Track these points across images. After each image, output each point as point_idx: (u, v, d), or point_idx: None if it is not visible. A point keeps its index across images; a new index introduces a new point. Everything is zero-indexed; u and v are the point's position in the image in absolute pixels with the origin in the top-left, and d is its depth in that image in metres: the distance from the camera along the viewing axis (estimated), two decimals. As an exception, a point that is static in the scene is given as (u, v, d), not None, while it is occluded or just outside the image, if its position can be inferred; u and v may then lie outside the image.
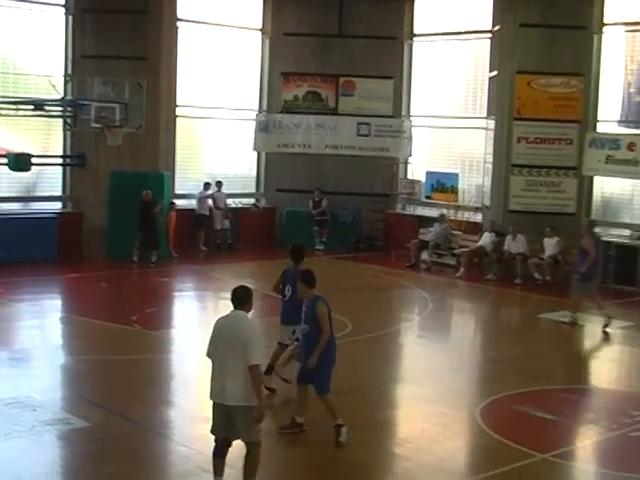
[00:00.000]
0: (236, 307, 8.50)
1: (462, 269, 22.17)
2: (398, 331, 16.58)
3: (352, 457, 9.76)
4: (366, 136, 25.82)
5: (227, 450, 8.55)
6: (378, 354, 14.55)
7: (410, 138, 25.88)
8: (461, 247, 23.27)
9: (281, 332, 12.18)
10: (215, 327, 8.57)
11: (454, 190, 24.98)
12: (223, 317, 8.56)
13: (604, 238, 21.81)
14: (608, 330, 16.63)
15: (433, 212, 25.05)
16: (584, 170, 22.44)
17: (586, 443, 11.07)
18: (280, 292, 12.23)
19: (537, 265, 21.46)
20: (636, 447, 10.73)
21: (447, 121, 25.44)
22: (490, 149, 23.29)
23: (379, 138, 25.84)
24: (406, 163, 26.40)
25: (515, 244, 21.81)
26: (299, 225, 25.05)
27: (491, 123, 23.26)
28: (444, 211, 24.39)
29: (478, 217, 24.19)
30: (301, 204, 25.34)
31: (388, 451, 10.31)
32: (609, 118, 22.48)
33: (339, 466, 9.59)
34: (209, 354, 8.55)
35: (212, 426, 8.54)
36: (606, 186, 22.90)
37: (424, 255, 23.40)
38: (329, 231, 25.40)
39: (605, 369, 15.14)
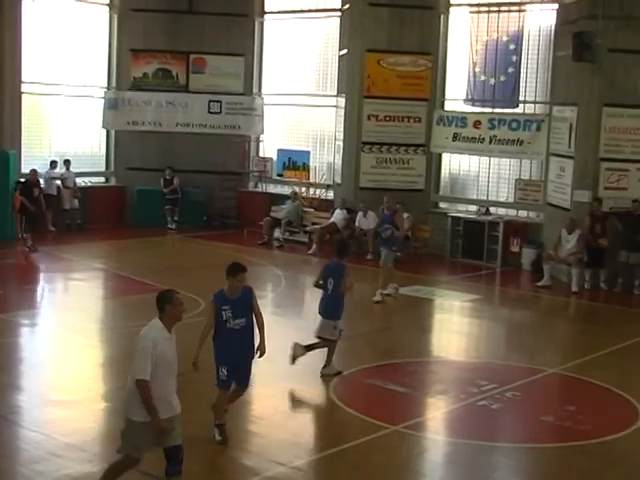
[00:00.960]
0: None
1: (314, 246, 22.34)
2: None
3: (208, 436, 9.72)
4: (217, 114, 25.67)
5: None
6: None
7: (262, 116, 25.86)
8: (313, 224, 23.45)
9: (322, 326, 12.26)
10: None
11: (306, 168, 25.12)
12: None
13: (452, 214, 22.45)
14: (388, 294, 17.26)
15: (285, 190, 25.17)
16: (432, 147, 22.94)
17: (436, 414, 11.35)
18: (321, 287, 12.37)
19: (388, 241, 21.78)
20: (484, 415, 11.07)
21: (298, 99, 25.53)
22: (341, 127, 23.50)
23: (230, 116, 25.74)
24: (258, 141, 26.38)
25: (366, 220, 22.11)
26: (150, 204, 24.74)
27: (341, 101, 23.47)
28: (296, 189, 24.51)
29: (330, 194, 24.42)
30: (152, 183, 24.99)
31: (242, 429, 10.31)
32: (456, 96, 23.02)
33: (194, 446, 9.52)
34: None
35: None
36: (454, 163, 23.48)
37: (277, 233, 23.47)
38: (181, 210, 25.17)
39: (453, 341, 15.54)
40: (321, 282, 12.42)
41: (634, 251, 18.89)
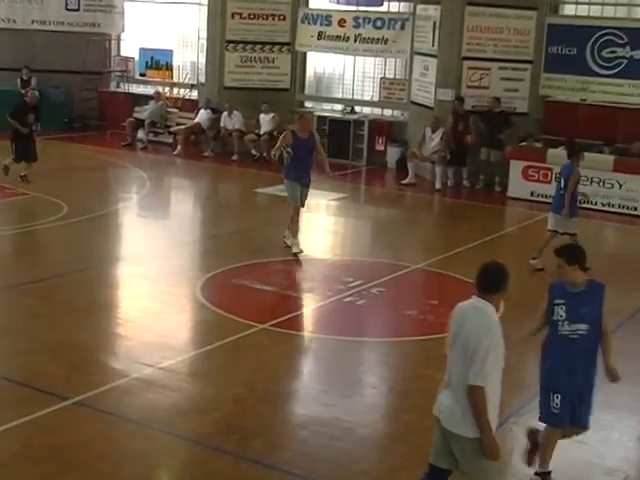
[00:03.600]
0: (480, 292, 5.97)
1: (179, 147, 22.03)
2: (117, 211, 16.31)
3: (73, 339, 9.60)
4: (75, 11, 24.71)
5: None
6: (96, 235, 14.27)
7: (122, 13, 25.06)
8: (177, 125, 23.05)
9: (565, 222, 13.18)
10: (456, 314, 6.23)
11: (169, 67, 24.57)
12: (463, 303, 6.18)
13: (317, 113, 22.38)
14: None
15: (148, 90, 24.62)
16: (297, 46, 22.72)
17: (304, 311, 11.48)
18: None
19: (253, 141, 21.67)
20: (350, 311, 11.25)
21: (160, -5, 24.82)
22: (204, 25, 22.99)
23: (89, 13, 24.83)
24: (119, 39, 25.61)
25: (231, 121, 21.87)
26: (6, 105, 23.75)
27: (204, -2, 22.94)
28: (159, 89, 23.98)
29: (194, 94, 24.01)
30: (8, 83, 23.99)
31: (108, 331, 10.22)
32: (320, -6, 22.78)
33: (59, 348, 9.39)
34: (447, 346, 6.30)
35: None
36: (319, 62, 23.34)
37: (140, 134, 23.03)
38: (40, 111, 24.26)
39: (320, 239, 15.66)
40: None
41: (495, 149, 19.29)
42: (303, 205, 13.81)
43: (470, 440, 5.82)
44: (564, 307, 6.84)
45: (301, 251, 13.37)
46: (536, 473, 7.14)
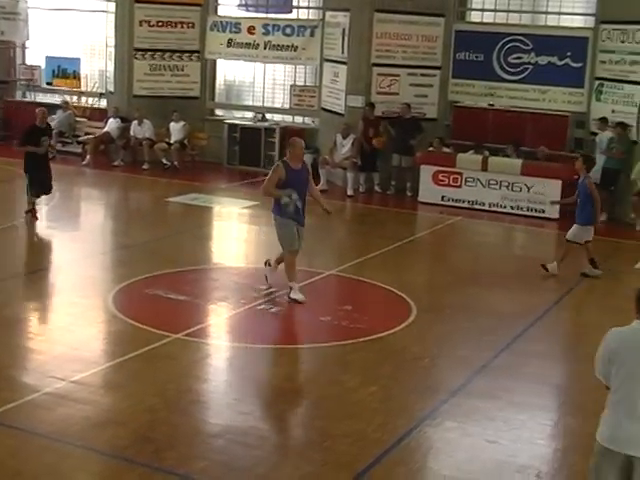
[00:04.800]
0: None
1: (88, 157, 21.76)
2: (23, 223, 15.98)
3: (-20, 355, 9.39)
4: (-22, 18, 24.24)
5: None
6: (3, 248, 14.01)
7: (26, 21, 24.61)
8: (86, 134, 22.76)
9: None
10: (618, 341, 5.78)
11: (76, 76, 24.23)
12: (631, 328, 5.79)
13: (228, 121, 22.35)
14: None
15: (56, 99, 24.21)
16: (207, 54, 22.64)
17: (217, 320, 11.40)
18: None
19: (164, 150, 21.51)
20: (264, 319, 11.23)
21: (66, 2, 24.41)
22: (112, 33, 22.74)
23: (-7, 21, 24.38)
24: (23, 48, 25.17)
25: (141, 129, 21.68)
26: None
27: (112, 6, 22.65)
28: (67, 98, 23.65)
29: (102, 103, 23.72)
30: None
31: (19, 346, 10.01)
32: (229, 2, 22.73)
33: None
34: (607, 376, 5.73)
35: None
36: (229, 69, 23.29)
37: (49, 144, 22.64)
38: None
39: (233, 248, 15.62)
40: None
41: (406, 154, 19.49)
42: (300, 247, 12.00)
43: None
44: None
45: (304, 300, 11.67)
46: None
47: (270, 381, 9.47)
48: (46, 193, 15.93)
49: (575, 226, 13.75)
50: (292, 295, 11.66)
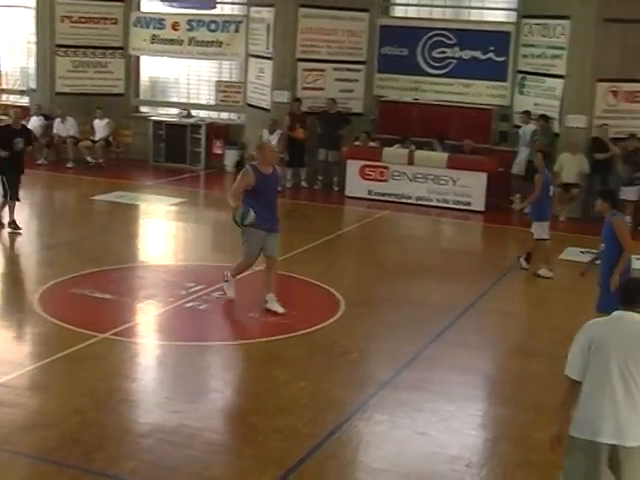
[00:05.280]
0: (629, 306, 5.81)
1: (11, 155, 21.36)
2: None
3: None
4: None
5: None
6: None
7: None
8: (9, 132, 22.33)
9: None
10: (594, 334, 5.77)
11: (-4, 73, 23.82)
12: (609, 320, 5.87)
13: (153, 118, 22.18)
14: None
15: (-25, 97, 23.77)
16: (130, 50, 22.41)
17: (145, 318, 11.30)
18: None
19: (89, 148, 21.25)
20: (192, 317, 11.15)
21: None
22: (33, 29, 22.37)
23: None
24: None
25: (65, 127, 21.38)
26: None
27: (32, 1, 22.26)
28: (-13, 95, 23.24)
29: (24, 101, 23.31)
30: None
31: (-58, 349, 9.81)
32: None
33: None
34: (576, 372, 5.77)
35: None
36: (153, 66, 23.09)
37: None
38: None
39: (160, 246, 15.48)
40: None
41: (332, 149, 19.54)
42: (275, 255, 11.42)
43: None
44: None
45: (232, 297, 11.59)
46: None
47: (200, 379, 9.41)
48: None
49: (533, 224, 13.70)
50: (225, 287, 11.61)
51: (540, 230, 13.57)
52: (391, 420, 8.32)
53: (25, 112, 22.49)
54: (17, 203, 14.96)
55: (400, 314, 11.43)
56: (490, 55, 19.45)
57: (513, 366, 10.12)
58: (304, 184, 20.02)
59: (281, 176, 11.56)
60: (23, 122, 15.87)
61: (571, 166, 17.72)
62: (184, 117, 22.20)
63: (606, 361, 5.62)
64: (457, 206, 18.30)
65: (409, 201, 18.50)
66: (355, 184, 18.93)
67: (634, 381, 5.60)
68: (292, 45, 19.85)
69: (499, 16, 20.13)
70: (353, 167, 19.00)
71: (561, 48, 18.12)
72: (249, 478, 7.17)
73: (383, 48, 20.19)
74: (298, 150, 19.63)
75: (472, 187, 18.14)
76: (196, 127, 21.69)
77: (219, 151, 21.62)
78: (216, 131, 21.79)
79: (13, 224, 14.83)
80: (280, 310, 11.10)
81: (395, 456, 7.62)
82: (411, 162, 18.51)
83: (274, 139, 19.48)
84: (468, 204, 18.21)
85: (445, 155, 18.53)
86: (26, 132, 15.37)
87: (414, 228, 17.54)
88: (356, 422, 8.24)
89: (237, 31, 21.32)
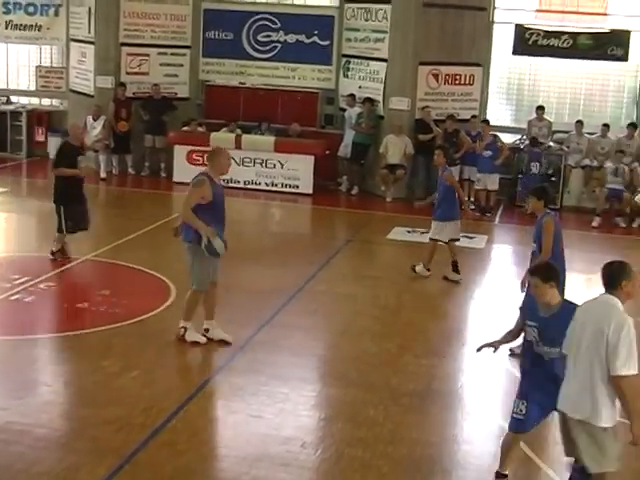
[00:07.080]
0: (606, 290, 6.16)
1: None
2: None
3: None
4: None
5: None
6: None
7: None
8: None
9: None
10: (585, 313, 6.25)
11: None
12: (589, 301, 6.30)
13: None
14: None
15: None
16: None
17: (-32, 313, 10.90)
18: None
19: None
20: (18, 310, 10.80)
21: None
22: None
23: None
24: None
25: None
26: None
27: None
28: None
29: None
30: None
31: None
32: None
33: None
34: (566, 348, 6.29)
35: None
36: None
37: None
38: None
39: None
40: None
41: (159, 135, 19.29)
42: (217, 280, 9.95)
43: (602, 429, 6.11)
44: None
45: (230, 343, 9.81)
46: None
47: (28, 373, 9.12)
48: (85, 228, 12.98)
49: (433, 222, 12.77)
50: (187, 337, 9.69)
51: (455, 229, 12.75)
52: (226, 405, 8.32)
53: None
54: None
55: (232, 299, 11.39)
56: (314, 39, 19.62)
57: (344, 345, 10.27)
58: (131, 171, 19.67)
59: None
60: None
61: (396, 148, 18.09)
62: (3, 104, 21.45)
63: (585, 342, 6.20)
64: (285, 189, 18.40)
65: (237, 185, 18.44)
66: (183, 170, 18.67)
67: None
68: (115, 29, 19.45)
69: (323, 0, 20.32)
70: (180, 153, 18.82)
71: (383, 32, 18.47)
72: (82, 472, 7.01)
73: (208, 32, 20.07)
74: (123, 136, 19.28)
75: (300, 170, 18.28)
76: (17, 114, 20.99)
77: (42, 138, 21.01)
78: (38, 118, 21.15)
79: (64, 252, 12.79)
80: (229, 339, 9.73)
81: (230, 440, 7.63)
82: (239, 146, 18.45)
83: (98, 126, 19.08)
84: (296, 187, 18.35)
85: (272, 139, 18.58)
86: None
87: (243, 212, 17.48)
88: (191, 408, 8.19)
89: (57, 15, 20.72)
